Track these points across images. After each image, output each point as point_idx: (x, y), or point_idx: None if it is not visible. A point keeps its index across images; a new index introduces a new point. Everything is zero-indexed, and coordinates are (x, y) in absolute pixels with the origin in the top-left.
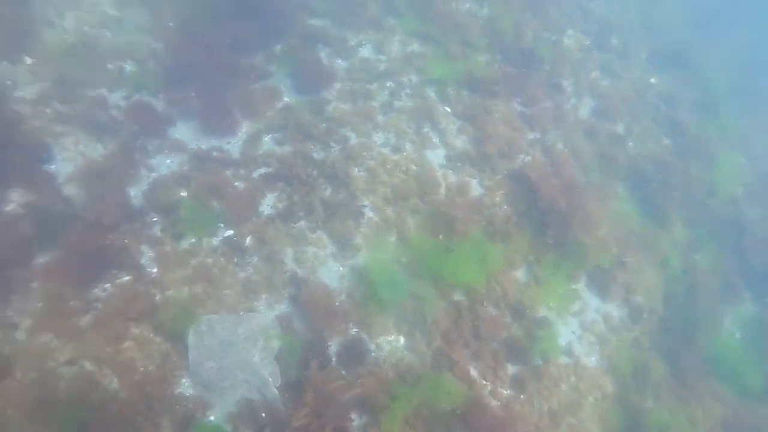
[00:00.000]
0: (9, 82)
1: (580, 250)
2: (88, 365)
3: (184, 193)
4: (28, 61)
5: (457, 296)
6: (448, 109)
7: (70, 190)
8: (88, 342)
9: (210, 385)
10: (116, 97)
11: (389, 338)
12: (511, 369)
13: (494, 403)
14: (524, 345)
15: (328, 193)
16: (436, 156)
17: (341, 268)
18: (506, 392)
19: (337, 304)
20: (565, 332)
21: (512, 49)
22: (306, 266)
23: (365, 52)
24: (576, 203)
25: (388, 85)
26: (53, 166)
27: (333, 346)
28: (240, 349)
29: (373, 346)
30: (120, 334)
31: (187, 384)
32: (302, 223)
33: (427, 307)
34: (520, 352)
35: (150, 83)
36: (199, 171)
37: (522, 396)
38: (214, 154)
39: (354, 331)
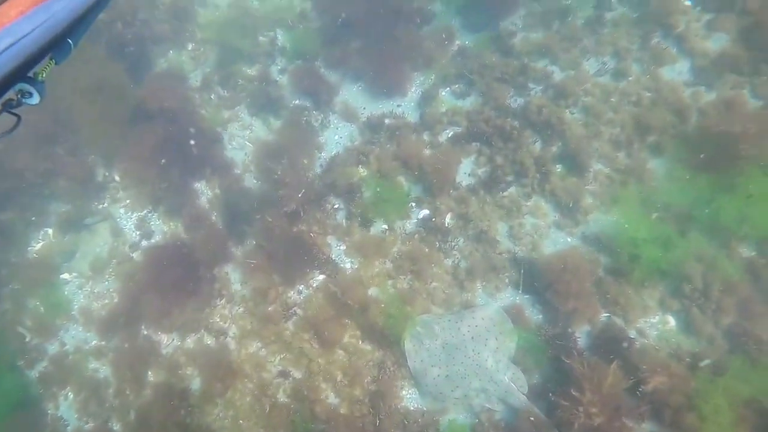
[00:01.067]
0: (178, 72)
1: None
2: (300, 377)
3: (363, 172)
4: (189, 46)
5: (746, 252)
6: (688, 2)
7: (248, 179)
8: (295, 352)
9: (439, 396)
10: (273, 71)
11: (653, 320)
12: None
13: None
14: None
15: (538, 147)
16: (677, 72)
17: (570, 239)
18: None
19: (576, 283)
20: None
21: None
22: (525, 242)
23: None
24: None
25: None
26: (228, 154)
27: (581, 338)
28: (468, 351)
29: (633, 333)
30: (327, 342)
31: (410, 396)
32: (512, 189)
33: (704, 272)
34: None
35: (305, 49)
36: (374, 144)
37: None
38: (387, 121)
39: (604, 315)
